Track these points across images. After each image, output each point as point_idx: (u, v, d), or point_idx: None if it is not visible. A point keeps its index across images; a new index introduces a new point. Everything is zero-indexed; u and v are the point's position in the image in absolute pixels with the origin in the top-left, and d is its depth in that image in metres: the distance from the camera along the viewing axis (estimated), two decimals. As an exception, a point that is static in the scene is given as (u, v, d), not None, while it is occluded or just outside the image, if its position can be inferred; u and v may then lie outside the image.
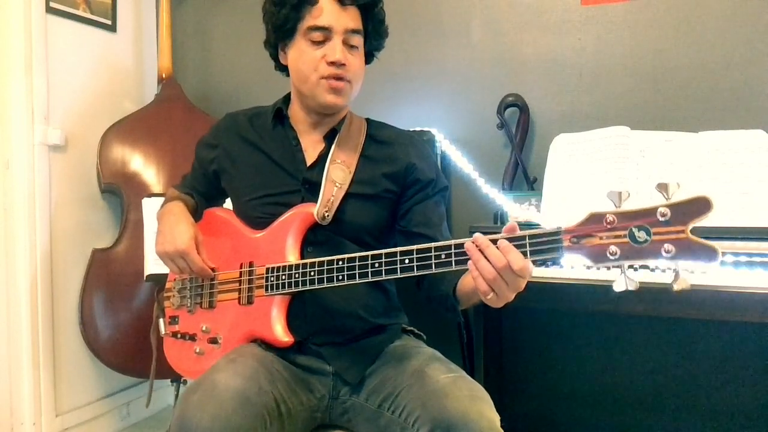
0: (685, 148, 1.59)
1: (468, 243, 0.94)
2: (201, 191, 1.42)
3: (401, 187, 1.28)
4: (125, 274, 2.07)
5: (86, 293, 2.06)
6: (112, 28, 2.30)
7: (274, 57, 1.33)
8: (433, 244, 1.02)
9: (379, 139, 1.32)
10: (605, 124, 1.70)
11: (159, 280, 1.80)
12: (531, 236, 0.94)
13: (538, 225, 1.63)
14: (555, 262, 1.56)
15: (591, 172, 1.65)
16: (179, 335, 1.33)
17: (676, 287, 0.86)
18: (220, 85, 2.46)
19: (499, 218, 1.73)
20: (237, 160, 1.32)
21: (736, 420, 1.75)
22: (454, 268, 0.99)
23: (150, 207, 1.93)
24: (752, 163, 1.52)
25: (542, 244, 0.92)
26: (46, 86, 2.02)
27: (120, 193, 2.14)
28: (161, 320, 1.39)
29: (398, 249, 1.04)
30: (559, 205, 1.67)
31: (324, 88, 1.21)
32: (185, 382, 2.04)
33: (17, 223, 1.96)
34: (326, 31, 1.20)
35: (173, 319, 1.37)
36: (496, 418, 1.04)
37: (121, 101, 2.33)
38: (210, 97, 2.45)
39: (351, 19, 1.21)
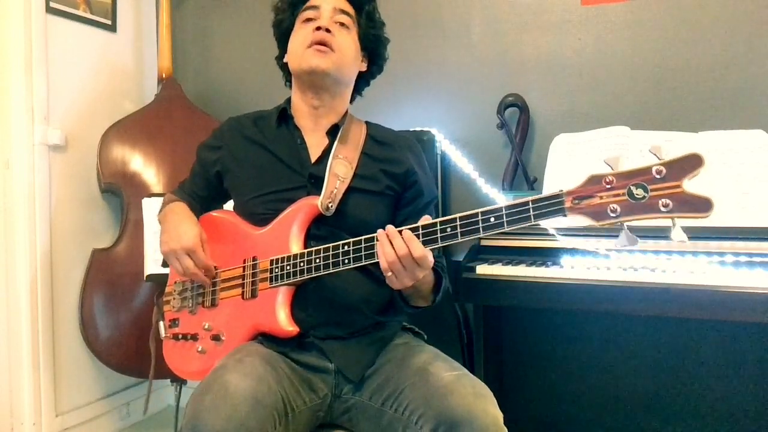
0: (685, 148, 1.58)
1: (380, 231, 1.07)
2: (201, 195, 1.42)
3: (402, 187, 1.31)
4: (125, 274, 2.07)
5: (86, 293, 2.06)
6: (112, 28, 2.30)
7: (283, 67, 1.40)
8: (438, 219, 1.06)
9: (378, 139, 1.35)
10: (605, 124, 1.70)
11: (159, 280, 1.81)
12: (534, 200, 0.99)
13: (538, 224, 1.63)
14: (555, 262, 1.56)
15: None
16: (180, 336, 1.33)
17: (674, 237, 0.90)
18: (220, 85, 2.46)
19: (499, 218, 1.73)
20: (242, 159, 1.33)
21: (736, 420, 1.75)
22: (460, 240, 1.03)
23: (150, 207, 1.93)
24: (752, 163, 1.52)
25: (545, 207, 0.97)
26: (46, 86, 2.02)
27: (120, 193, 2.14)
28: (161, 323, 1.39)
29: (403, 228, 1.07)
30: (559, 205, 1.67)
31: (309, 54, 1.26)
32: (185, 382, 2.04)
33: (17, 223, 1.97)
34: (316, 10, 1.30)
35: (173, 322, 1.37)
36: (500, 415, 1.05)
37: (121, 101, 2.33)
38: (210, 97, 2.45)
39: (341, 1, 1.31)
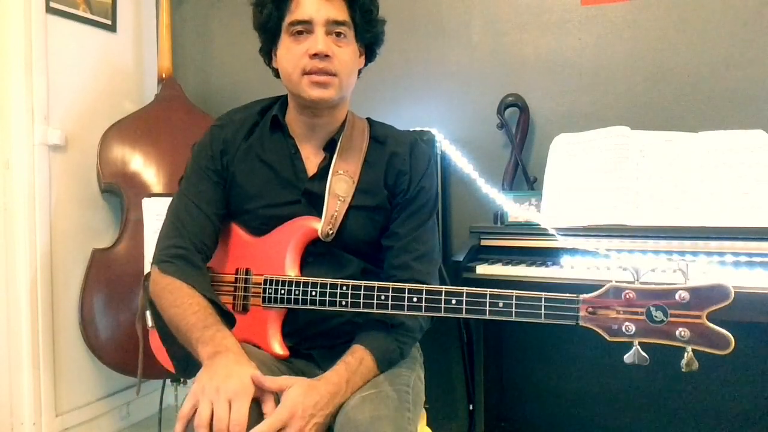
0: (685, 148, 1.59)
1: None
2: (222, 213, 1.25)
3: (393, 193, 1.24)
4: (125, 274, 2.07)
5: (86, 293, 2.06)
6: (112, 28, 2.30)
7: (269, 64, 1.28)
8: (444, 288, 1.02)
9: (381, 140, 1.27)
10: (605, 124, 1.70)
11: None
12: (548, 299, 0.96)
13: (538, 225, 1.63)
14: (555, 262, 1.56)
15: (591, 172, 1.66)
16: None
17: (685, 369, 0.87)
18: (220, 85, 2.46)
19: (499, 218, 1.73)
20: (238, 168, 1.25)
21: (736, 420, 1.75)
22: (464, 315, 1.00)
23: (150, 207, 1.92)
24: (752, 163, 1.52)
25: (558, 309, 0.95)
26: (46, 86, 2.02)
27: (120, 193, 2.14)
28: (148, 312, 1.36)
29: (407, 285, 1.05)
30: (559, 205, 1.67)
31: (307, 84, 1.14)
32: (185, 382, 2.04)
33: (17, 223, 1.96)
34: (307, 24, 1.14)
35: None
36: None
37: (121, 101, 2.33)
38: (210, 97, 2.45)
39: (333, 9, 1.15)
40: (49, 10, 2.04)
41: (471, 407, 1.87)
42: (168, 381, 2.05)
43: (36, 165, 1.99)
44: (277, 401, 0.98)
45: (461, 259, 1.59)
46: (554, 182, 1.70)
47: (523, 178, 1.90)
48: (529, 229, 1.65)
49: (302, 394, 0.97)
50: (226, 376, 0.96)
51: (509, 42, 2.01)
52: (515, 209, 1.72)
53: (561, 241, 1.56)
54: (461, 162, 2.01)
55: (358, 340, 1.13)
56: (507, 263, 1.57)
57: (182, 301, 1.10)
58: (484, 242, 1.69)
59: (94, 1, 2.21)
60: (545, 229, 1.59)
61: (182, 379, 2.01)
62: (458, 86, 2.07)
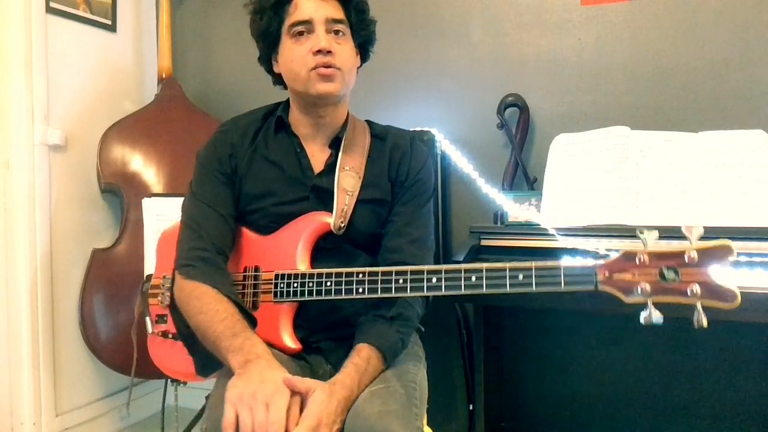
0: (685, 148, 1.59)
1: None
2: (234, 215, 1.26)
3: (392, 184, 1.27)
4: (125, 274, 2.07)
5: (86, 293, 2.06)
6: (112, 28, 2.30)
7: (270, 71, 1.32)
8: (463, 266, 1.03)
9: (382, 136, 1.31)
10: (605, 124, 1.70)
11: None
12: (567, 267, 0.99)
13: (538, 225, 1.63)
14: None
15: (591, 172, 1.66)
16: (170, 335, 1.30)
17: (696, 325, 0.92)
18: (220, 85, 2.46)
19: (499, 218, 1.73)
20: (246, 170, 1.26)
21: (737, 420, 1.74)
22: (485, 291, 1.01)
23: (150, 207, 1.93)
24: (752, 163, 1.52)
25: (577, 276, 0.99)
26: (46, 86, 2.02)
27: (120, 193, 2.14)
28: (147, 319, 1.36)
29: (425, 267, 1.05)
30: (559, 205, 1.67)
31: (314, 79, 1.18)
32: (185, 383, 2.03)
33: (17, 223, 1.97)
34: (307, 24, 1.19)
35: (161, 318, 1.34)
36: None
37: (121, 101, 2.33)
38: (210, 97, 2.45)
39: (331, 8, 1.20)
40: (49, 10, 2.04)
41: (471, 407, 1.87)
42: (168, 381, 2.05)
43: (36, 165, 1.99)
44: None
45: (461, 259, 1.58)
46: (554, 182, 1.70)
47: (523, 178, 1.90)
48: (529, 229, 1.64)
49: (325, 401, 0.99)
50: (260, 381, 0.98)
51: (509, 42, 2.01)
52: (515, 209, 1.72)
53: (561, 241, 1.55)
54: (461, 162, 2.01)
55: (362, 338, 1.14)
56: (507, 263, 1.57)
57: (209, 308, 1.10)
58: (484, 242, 1.69)
59: (94, 1, 2.21)
60: (545, 229, 1.59)
61: (182, 380, 2.00)
62: (458, 86, 2.07)
